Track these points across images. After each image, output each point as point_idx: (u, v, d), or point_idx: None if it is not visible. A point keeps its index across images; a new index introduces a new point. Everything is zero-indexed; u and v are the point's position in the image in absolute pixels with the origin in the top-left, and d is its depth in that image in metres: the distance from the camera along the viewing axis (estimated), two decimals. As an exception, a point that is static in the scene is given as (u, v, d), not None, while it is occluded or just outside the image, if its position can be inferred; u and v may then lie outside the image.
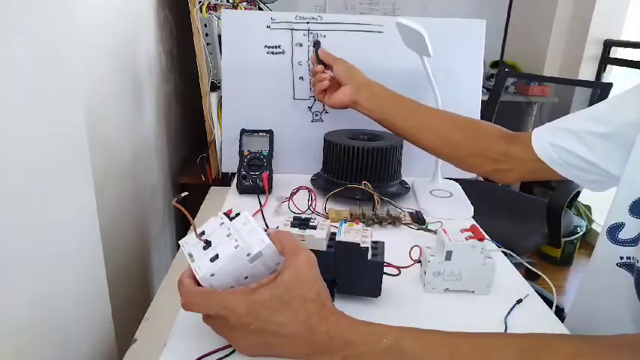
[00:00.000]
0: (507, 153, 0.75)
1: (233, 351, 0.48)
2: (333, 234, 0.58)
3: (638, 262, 0.58)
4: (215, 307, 0.45)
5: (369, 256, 0.56)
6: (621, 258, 0.62)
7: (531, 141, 0.71)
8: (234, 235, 0.47)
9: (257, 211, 0.80)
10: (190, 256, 0.48)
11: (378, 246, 0.59)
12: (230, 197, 0.92)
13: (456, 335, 0.44)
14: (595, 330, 0.56)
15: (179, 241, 0.50)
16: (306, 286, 0.46)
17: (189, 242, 0.49)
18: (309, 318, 0.45)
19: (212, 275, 0.45)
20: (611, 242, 0.63)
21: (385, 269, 0.57)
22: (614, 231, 0.63)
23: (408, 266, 0.61)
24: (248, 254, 0.46)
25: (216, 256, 0.46)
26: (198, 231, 0.49)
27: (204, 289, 0.46)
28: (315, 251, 0.55)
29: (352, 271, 0.57)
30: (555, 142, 0.69)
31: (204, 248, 0.47)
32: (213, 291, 0.46)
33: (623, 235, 0.62)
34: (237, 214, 0.50)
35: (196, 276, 0.46)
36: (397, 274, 0.58)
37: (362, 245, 0.56)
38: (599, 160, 0.65)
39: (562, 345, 0.43)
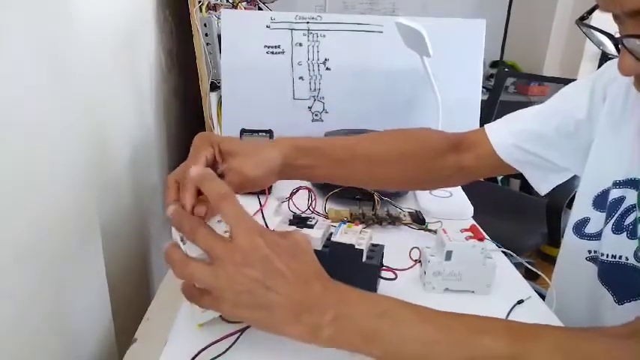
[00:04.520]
0: (460, 164, 0.73)
1: (231, 346, 0.48)
2: (332, 234, 0.58)
3: (602, 255, 0.60)
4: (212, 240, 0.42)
5: (364, 259, 0.56)
6: (589, 252, 0.64)
7: (491, 144, 0.70)
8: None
9: (257, 211, 0.80)
10: (182, 239, 0.47)
11: (376, 249, 0.58)
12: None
13: (451, 313, 0.45)
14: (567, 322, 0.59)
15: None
16: (308, 249, 0.45)
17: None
18: (304, 271, 0.43)
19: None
20: (577, 237, 0.65)
21: (383, 273, 0.57)
22: (580, 226, 0.65)
23: (406, 269, 0.61)
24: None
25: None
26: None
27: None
28: None
29: (346, 273, 0.55)
30: (519, 145, 0.69)
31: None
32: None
33: (588, 229, 0.64)
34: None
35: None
36: (394, 279, 0.58)
37: (357, 247, 0.55)
38: (561, 161, 0.68)
39: (550, 330, 0.45)
